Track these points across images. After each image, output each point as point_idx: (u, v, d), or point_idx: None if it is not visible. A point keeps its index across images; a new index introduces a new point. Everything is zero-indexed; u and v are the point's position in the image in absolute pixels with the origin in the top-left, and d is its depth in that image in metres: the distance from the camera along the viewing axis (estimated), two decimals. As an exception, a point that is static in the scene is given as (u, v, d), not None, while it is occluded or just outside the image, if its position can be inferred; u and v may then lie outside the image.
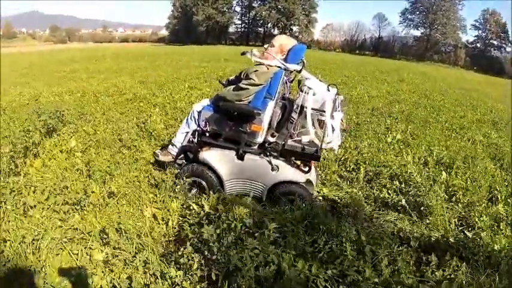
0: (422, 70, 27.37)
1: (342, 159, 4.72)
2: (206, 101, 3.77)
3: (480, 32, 52.74)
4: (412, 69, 26.76)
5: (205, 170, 3.47)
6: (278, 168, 3.35)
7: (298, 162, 3.46)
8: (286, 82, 3.59)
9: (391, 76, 17.58)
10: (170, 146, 3.90)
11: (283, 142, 3.36)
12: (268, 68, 3.27)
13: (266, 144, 3.42)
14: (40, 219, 2.93)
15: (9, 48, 47.23)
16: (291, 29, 66.15)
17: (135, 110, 6.95)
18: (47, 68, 18.39)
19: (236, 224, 2.62)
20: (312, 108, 3.20)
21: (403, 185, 4.11)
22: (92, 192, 3.27)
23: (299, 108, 3.25)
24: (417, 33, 56.83)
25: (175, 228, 2.98)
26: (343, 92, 10.74)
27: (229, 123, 3.40)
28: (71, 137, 5.03)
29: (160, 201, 3.31)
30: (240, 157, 3.39)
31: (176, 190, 3.41)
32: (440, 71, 31.82)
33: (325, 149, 3.60)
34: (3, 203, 3.01)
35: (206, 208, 3.03)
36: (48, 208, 3.05)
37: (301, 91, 3.24)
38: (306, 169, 3.40)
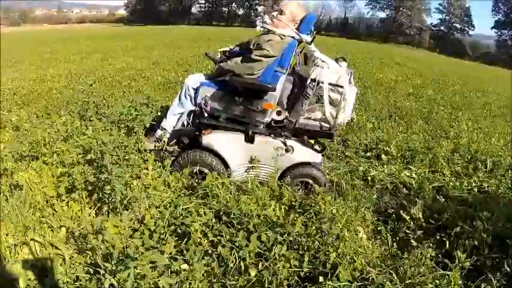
0: (401, 53, 27.66)
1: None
2: (200, 76, 3.34)
3: (444, 15, 54.32)
4: (392, 51, 27.03)
5: (209, 156, 3.02)
6: (293, 149, 3.02)
7: (312, 141, 3.17)
8: (297, 54, 3.24)
9: (382, 59, 17.53)
10: (159, 131, 3.30)
11: (294, 120, 3.07)
12: (282, 38, 2.93)
13: (272, 123, 3.08)
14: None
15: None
16: (256, 9, 64.92)
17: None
18: (25, 50, 16.81)
19: None
20: (329, 83, 2.94)
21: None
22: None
23: (316, 83, 2.92)
24: (383, 15, 58.02)
25: (392, 247, 2.52)
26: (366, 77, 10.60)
27: (237, 101, 3.02)
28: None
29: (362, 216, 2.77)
30: (250, 139, 3.02)
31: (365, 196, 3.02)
32: (414, 53, 32.38)
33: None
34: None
35: (421, 218, 2.68)
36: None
37: (316, 65, 2.95)
38: (320, 148, 3.13)
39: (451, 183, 3.60)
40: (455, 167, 4.12)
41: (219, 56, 3.44)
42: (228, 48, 3.52)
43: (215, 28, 42.04)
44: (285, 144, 3.00)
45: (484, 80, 16.24)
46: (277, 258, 2.08)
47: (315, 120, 3.17)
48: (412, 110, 6.55)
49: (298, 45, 3.10)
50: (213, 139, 3.01)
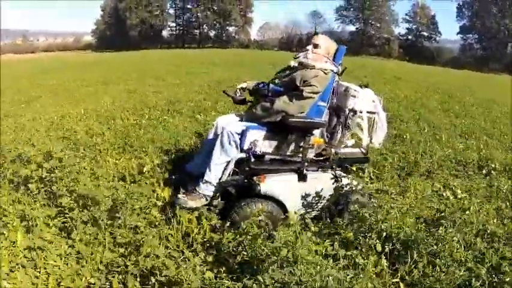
0: (384, 65, 28.66)
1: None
2: (232, 117, 3.35)
3: (411, 24, 56.54)
4: (374, 64, 27.74)
5: (268, 204, 2.86)
6: (341, 179, 3.05)
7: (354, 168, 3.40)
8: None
9: (380, 75, 18.03)
10: (202, 185, 2.96)
11: (338, 151, 3.20)
12: (325, 73, 3.01)
13: (313, 156, 3.12)
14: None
15: None
16: (227, 29, 65.92)
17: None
18: (25, 84, 14.01)
19: None
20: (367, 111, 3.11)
21: None
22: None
23: (356, 112, 3.09)
24: (352, 28, 59.74)
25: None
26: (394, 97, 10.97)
27: (290, 139, 3.00)
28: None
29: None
30: (303, 177, 2.98)
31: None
32: (386, 64, 33.05)
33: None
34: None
35: None
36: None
37: (352, 96, 3.09)
38: (361, 174, 3.43)
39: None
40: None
41: (239, 94, 3.49)
42: (245, 85, 3.49)
43: (193, 51, 41.52)
44: (335, 176, 3.04)
45: (470, 86, 17.22)
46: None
47: (352, 147, 3.37)
48: (468, 127, 7.50)
49: None
50: (271, 185, 2.85)
